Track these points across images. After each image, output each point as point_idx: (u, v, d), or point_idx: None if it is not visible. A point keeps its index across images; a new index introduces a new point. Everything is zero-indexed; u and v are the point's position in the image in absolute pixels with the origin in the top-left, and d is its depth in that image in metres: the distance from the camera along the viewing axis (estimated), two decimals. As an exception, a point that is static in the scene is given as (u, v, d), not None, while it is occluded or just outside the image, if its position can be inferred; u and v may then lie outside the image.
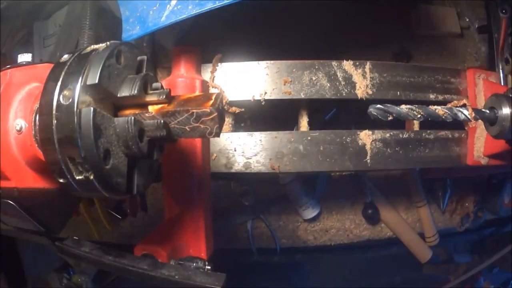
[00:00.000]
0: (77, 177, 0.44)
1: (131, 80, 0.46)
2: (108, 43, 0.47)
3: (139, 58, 0.50)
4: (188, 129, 0.47)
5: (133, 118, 0.45)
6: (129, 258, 0.61)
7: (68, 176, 0.44)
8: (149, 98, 0.47)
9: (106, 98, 0.45)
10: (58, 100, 0.43)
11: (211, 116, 0.45)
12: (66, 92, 0.43)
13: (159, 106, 0.47)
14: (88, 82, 0.43)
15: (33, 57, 0.58)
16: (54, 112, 0.43)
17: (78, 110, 0.42)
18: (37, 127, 0.49)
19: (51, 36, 1.02)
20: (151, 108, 0.47)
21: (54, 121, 0.43)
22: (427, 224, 1.16)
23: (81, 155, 0.42)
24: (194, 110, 0.46)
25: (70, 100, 0.43)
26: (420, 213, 1.16)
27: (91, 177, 0.43)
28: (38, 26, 1.04)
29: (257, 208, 1.12)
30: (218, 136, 0.47)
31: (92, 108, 0.42)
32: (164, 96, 0.46)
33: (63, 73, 0.45)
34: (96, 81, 0.43)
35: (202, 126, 0.46)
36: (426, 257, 1.15)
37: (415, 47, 1.13)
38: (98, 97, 0.44)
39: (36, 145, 0.51)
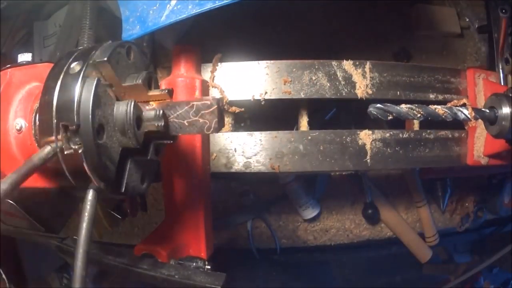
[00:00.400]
0: (66, 151, 0.43)
1: (134, 76, 0.47)
2: (110, 42, 0.48)
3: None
4: (186, 124, 0.47)
5: (133, 101, 0.45)
6: (129, 258, 0.61)
7: (58, 150, 0.44)
8: (152, 93, 0.47)
9: (111, 85, 0.46)
10: (64, 77, 0.44)
11: (211, 109, 0.46)
12: (74, 65, 0.44)
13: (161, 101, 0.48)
14: (97, 59, 0.44)
15: (33, 56, 0.58)
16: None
17: (83, 78, 0.43)
18: (37, 122, 0.49)
19: (51, 36, 1.03)
20: (152, 103, 0.48)
21: (58, 87, 0.44)
22: (427, 224, 1.16)
23: (75, 121, 0.42)
24: (195, 102, 0.46)
25: (77, 70, 0.44)
26: (420, 213, 1.16)
27: (80, 150, 0.42)
28: (38, 26, 1.04)
29: (257, 208, 1.12)
30: (217, 131, 0.47)
31: (97, 78, 0.43)
32: (167, 92, 0.47)
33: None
34: (106, 59, 0.44)
35: (201, 120, 0.46)
36: (426, 257, 1.15)
37: (415, 47, 1.13)
38: (104, 82, 0.45)
39: (36, 144, 0.51)
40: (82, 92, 0.42)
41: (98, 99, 0.43)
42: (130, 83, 0.46)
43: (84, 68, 0.44)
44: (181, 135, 0.69)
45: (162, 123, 0.46)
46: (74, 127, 0.42)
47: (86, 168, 0.43)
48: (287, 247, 1.14)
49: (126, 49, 0.47)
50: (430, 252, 1.15)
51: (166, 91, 0.47)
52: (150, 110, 0.47)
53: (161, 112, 0.46)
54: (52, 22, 1.03)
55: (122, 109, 0.45)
